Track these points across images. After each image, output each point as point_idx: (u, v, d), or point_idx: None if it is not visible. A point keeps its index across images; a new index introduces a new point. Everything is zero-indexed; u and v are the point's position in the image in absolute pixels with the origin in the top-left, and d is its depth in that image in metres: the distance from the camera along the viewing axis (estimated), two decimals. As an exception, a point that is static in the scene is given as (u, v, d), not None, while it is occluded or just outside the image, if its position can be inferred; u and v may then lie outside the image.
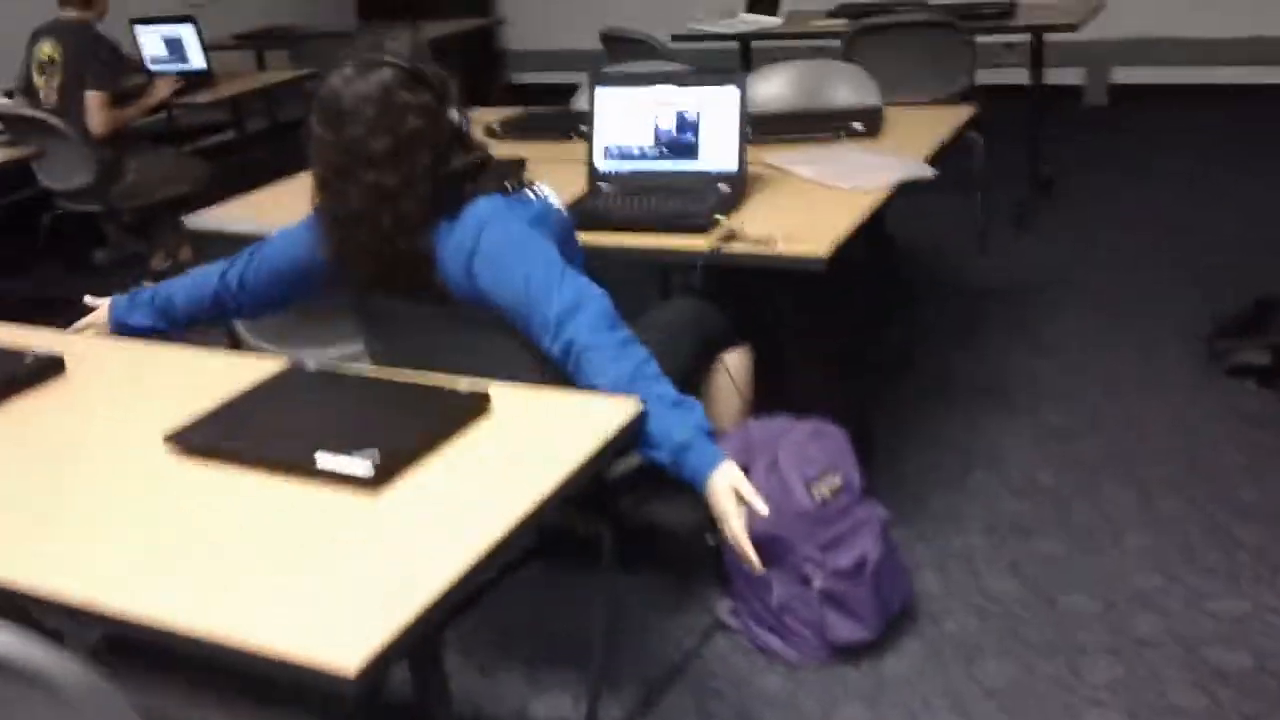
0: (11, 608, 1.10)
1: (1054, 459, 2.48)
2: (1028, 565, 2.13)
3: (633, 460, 1.68)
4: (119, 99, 3.96)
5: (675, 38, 4.44)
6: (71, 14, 3.89)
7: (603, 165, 2.32)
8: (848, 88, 2.98)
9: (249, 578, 1.13)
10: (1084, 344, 3.03)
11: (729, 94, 2.20)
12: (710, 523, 2.07)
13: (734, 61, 4.72)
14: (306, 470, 1.29)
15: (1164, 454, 2.47)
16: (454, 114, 1.60)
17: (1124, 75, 5.62)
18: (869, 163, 2.30)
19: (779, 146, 2.48)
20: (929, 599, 2.05)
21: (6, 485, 1.36)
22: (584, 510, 1.75)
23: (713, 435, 1.50)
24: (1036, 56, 3.99)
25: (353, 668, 0.97)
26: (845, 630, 1.91)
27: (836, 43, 3.94)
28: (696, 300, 2.08)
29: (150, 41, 4.57)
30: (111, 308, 1.89)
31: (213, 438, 1.39)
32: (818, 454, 1.93)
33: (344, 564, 1.14)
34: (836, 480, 1.92)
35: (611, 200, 2.23)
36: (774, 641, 1.96)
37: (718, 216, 2.02)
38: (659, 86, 2.26)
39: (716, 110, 2.21)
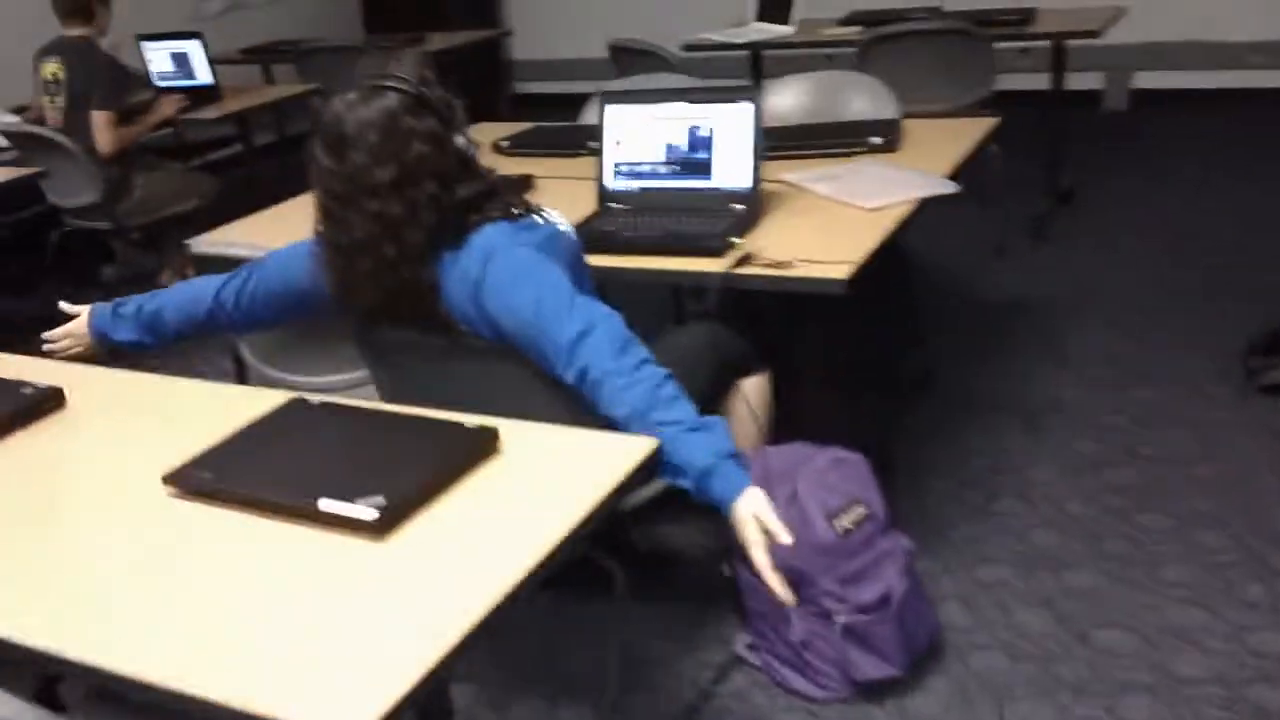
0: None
1: (1084, 485, 2.40)
2: (1059, 599, 2.05)
3: (645, 491, 1.62)
4: (125, 117, 3.93)
5: (684, 47, 4.37)
6: (74, 31, 3.86)
7: (612, 184, 2.26)
8: (864, 99, 2.91)
9: (248, 633, 1.08)
10: (1110, 361, 2.95)
11: (743, 110, 2.14)
12: (725, 551, 2.02)
13: (744, 71, 4.66)
14: (310, 515, 1.24)
15: (1198, 480, 2.38)
16: (460, 139, 1.55)
17: (1145, 80, 5.53)
18: (889, 179, 2.23)
19: (793, 162, 2.41)
20: (956, 634, 1.98)
21: (-2, 530, 1.32)
22: (595, 540, 1.69)
23: (737, 457, 1.44)
24: (1057, 64, 3.91)
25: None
26: (869, 667, 1.84)
27: (849, 51, 3.88)
28: (711, 324, 2.02)
29: (157, 57, 4.55)
30: (92, 317, 1.84)
31: (212, 479, 1.34)
32: (839, 483, 1.87)
33: (349, 617, 1.09)
34: (859, 511, 1.85)
35: (622, 220, 2.17)
36: (795, 678, 1.89)
37: (733, 239, 1.96)
38: (670, 103, 2.20)
39: (730, 127, 2.15)
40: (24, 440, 1.54)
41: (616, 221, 2.17)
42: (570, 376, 1.50)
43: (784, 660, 1.90)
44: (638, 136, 2.23)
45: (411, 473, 1.29)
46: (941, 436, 2.64)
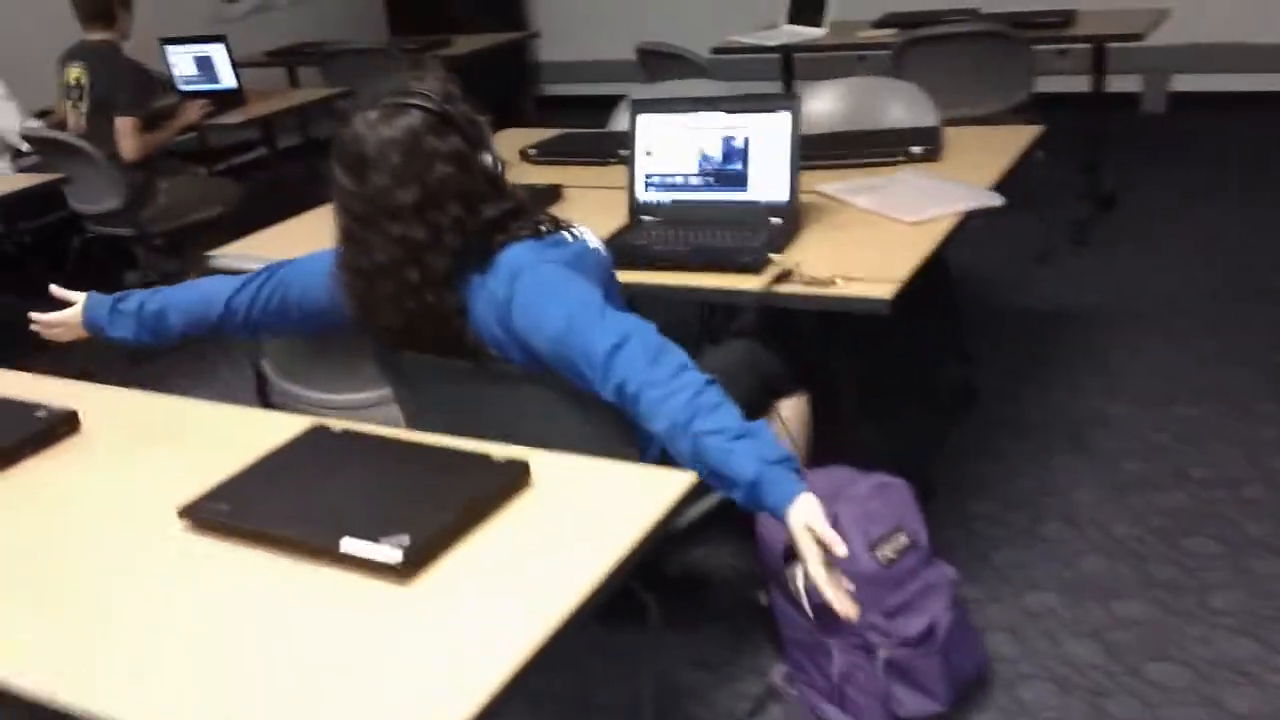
0: None
1: (1131, 506, 2.31)
2: (1109, 629, 1.96)
3: (688, 515, 1.55)
4: (149, 122, 3.89)
5: (714, 50, 4.29)
6: (96, 36, 3.82)
7: (644, 196, 2.19)
8: (901, 106, 2.82)
9: (261, 684, 1.02)
10: (1155, 373, 2.85)
11: (780, 120, 2.06)
12: (758, 578, 1.94)
13: (775, 74, 4.57)
14: (331, 555, 1.18)
15: (1249, 503, 2.29)
16: (487, 157, 1.47)
17: (1184, 83, 5.40)
18: (931, 191, 2.15)
19: (830, 173, 2.33)
20: (1003, 665, 1.90)
21: (5, 566, 1.27)
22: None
23: (785, 461, 1.32)
24: (1098, 67, 3.80)
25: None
26: (913, 704, 1.76)
27: (884, 54, 3.78)
28: (749, 342, 1.95)
29: (181, 62, 4.51)
30: (87, 309, 1.74)
31: (229, 513, 1.29)
32: (881, 510, 1.79)
33: (373, 668, 1.03)
34: (902, 540, 1.77)
35: (653, 234, 2.09)
36: (834, 713, 1.81)
37: (770, 255, 1.88)
38: (704, 113, 2.12)
39: (766, 137, 2.07)
40: (36, 467, 1.50)
41: (648, 235, 2.09)
42: (608, 392, 1.42)
43: (822, 693, 1.82)
44: (670, 147, 2.15)
45: (438, 509, 1.23)
46: (986, 455, 2.55)
